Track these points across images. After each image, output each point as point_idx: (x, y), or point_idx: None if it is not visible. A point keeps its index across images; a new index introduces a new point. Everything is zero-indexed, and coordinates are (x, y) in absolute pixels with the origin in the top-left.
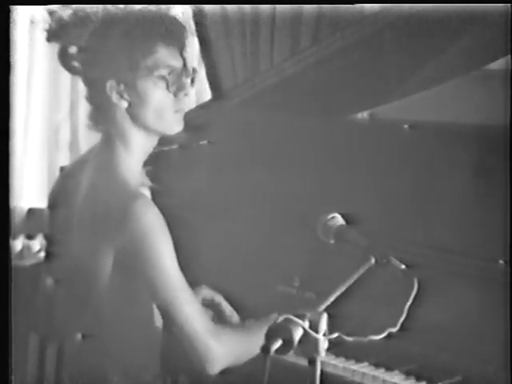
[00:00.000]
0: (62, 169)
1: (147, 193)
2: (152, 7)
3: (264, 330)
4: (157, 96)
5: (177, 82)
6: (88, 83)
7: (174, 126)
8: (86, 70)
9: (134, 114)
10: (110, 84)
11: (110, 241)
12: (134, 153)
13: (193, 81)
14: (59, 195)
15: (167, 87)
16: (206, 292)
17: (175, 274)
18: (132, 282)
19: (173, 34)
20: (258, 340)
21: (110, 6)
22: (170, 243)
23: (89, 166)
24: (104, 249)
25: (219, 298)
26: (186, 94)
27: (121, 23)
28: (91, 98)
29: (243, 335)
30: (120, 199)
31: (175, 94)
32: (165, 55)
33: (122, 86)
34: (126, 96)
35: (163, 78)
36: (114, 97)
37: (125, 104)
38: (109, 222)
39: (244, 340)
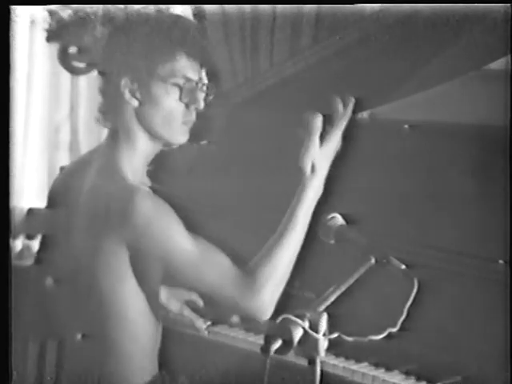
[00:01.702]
0: (61, 168)
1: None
2: (164, 8)
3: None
4: (168, 103)
5: (190, 94)
6: (104, 76)
7: (179, 136)
8: (105, 63)
9: (142, 115)
10: (125, 81)
11: (117, 238)
12: (138, 154)
13: (206, 97)
14: (60, 194)
15: (180, 97)
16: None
17: (189, 239)
18: (146, 274)
19: (197, 47)
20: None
21: (110, 6)
22: (176, 221)
23: (92, 166)
24: (108, 247)
25: None
26: (196, 108)
27: (146, 23)
28: (105, 91)
29: (274, 256)
30: (121, 194)
31: (187, 106)
32: (184, 65)
33: (135, 86)
34: (137, 95)
35: (178, 86)
36: (127, 94)
37: (135, 103)
38: (111, 218)
39: (277, 259)
